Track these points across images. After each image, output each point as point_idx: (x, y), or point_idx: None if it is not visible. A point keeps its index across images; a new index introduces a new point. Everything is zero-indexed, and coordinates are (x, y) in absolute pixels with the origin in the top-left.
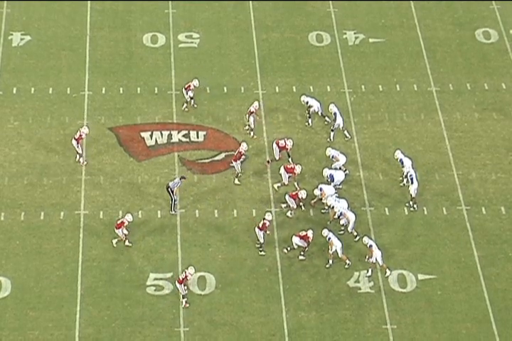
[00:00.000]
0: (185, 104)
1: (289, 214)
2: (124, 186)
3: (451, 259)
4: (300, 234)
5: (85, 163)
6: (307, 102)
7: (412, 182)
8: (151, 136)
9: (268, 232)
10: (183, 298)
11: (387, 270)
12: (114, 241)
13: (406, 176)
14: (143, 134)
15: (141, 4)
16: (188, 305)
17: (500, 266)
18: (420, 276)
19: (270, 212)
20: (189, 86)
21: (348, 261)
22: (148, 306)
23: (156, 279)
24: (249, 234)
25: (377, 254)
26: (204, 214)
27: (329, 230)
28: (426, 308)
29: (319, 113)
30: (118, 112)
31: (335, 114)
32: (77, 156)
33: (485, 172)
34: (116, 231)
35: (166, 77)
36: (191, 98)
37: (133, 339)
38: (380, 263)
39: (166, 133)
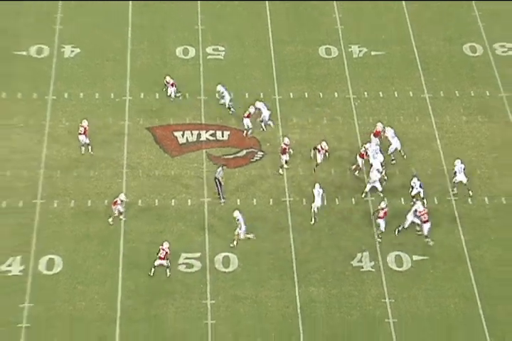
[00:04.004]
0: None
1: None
2: (160, 178)
3: (441, 243)
4: (379, 215)
5: (92, 153)
6: (222, 92)
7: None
8: (183, 135)
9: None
10: (168, 268)
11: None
12: (110, 219)
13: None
14: (175, 133)
15: (175, 21)
16: (169, 274)
17: (484, 248)
18: (415, 257)
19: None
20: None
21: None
22: (180, 281)
23: (186, 258)
24: (267, 220)
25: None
26: (228, 203)
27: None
28: (419, 285)
29: (262, 119)
30: (154, 114)
31: (258, 109)
32: (83, 148)
33: (471, 168)
34: (113, 207)
35: (195, 84)
36: (182, 95)
37: (166, 309)
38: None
39: (195, 132)
